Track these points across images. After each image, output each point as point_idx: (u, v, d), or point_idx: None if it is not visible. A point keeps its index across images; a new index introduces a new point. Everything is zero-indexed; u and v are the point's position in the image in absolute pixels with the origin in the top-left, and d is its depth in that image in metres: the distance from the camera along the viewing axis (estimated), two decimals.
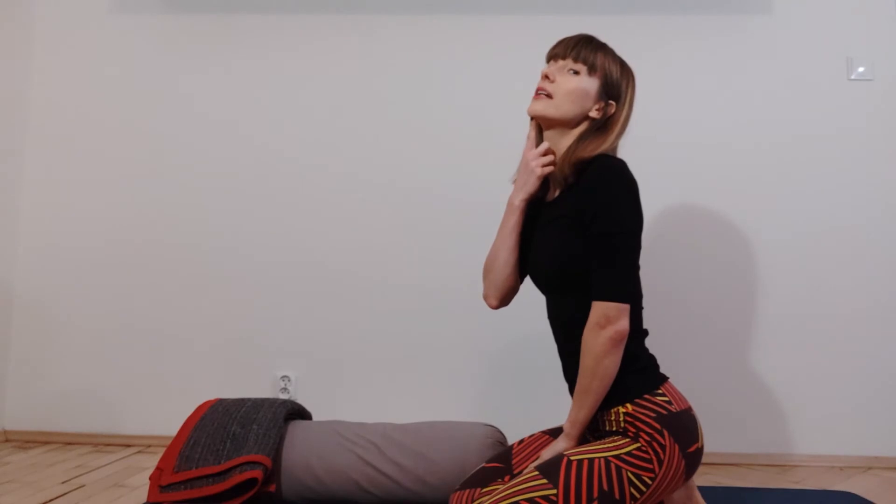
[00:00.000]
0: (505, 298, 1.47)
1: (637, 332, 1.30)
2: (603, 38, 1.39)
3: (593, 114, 1.35)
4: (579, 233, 1.27)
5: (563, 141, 1.36)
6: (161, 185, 2.30)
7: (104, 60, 2.34)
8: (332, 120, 2.29)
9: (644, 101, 2.21)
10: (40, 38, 2.36)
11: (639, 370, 1.28)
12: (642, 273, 1.29)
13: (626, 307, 1.22)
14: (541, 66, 2.28)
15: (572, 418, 1.26)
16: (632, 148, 2.22)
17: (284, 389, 2.22)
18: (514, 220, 1.41)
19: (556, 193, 1.38)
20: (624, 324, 1.22)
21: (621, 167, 1.28)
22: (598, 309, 1.22)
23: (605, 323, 1.21)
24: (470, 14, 2.29)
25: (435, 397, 2.21)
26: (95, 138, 2.32)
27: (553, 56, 1.37)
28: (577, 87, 1.32)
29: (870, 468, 2.07)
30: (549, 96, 1.33)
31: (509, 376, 2.21)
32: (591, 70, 1.33)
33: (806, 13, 2.23)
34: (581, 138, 1.34)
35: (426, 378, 2.22)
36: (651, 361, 1.33)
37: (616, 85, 1.36)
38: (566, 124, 1.35)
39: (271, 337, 2.25)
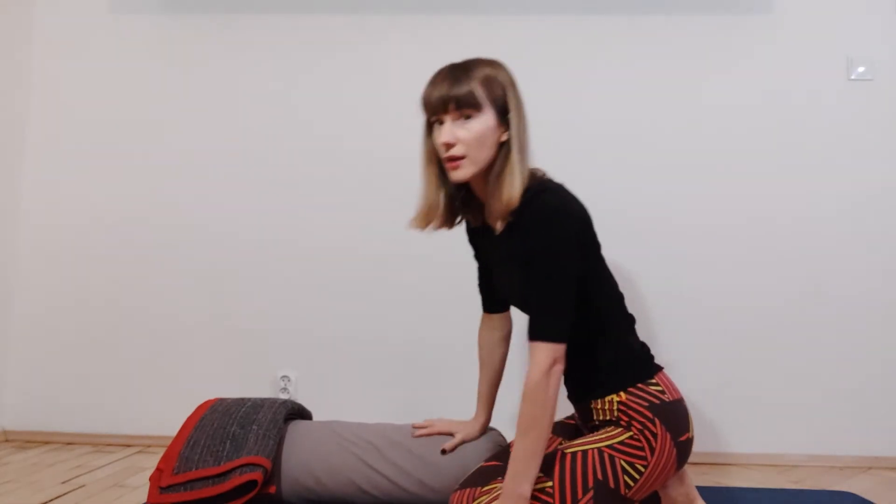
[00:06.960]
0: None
1: (627, 323, 1.34)
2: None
3: (503, 138, 1.28)
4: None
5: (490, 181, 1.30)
6: (161, 184, 2.30)
7: (104, 60, 2.34)
8: (334, 119, 2.29)
9: (643, 102, 2.22)
10: (40, 38, 2.36)
11: (632, 360, 1.31)
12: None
13: (564, 346, 1.19)
14: (543, 67, 2.28)
15: (531, 476, 1.16)
16: (632, 148, 2.24)
17: (284, 389, 2.22)
18: None
19: (501, 227, 1.33)
20: (563, 360, 1.20)
21: (557, 205, 1.21)
22: (544, 351, 1.18)
23: (552, 363, 1.18)
24: (470, 14, 2.29)
25: (434, 397, 2.21)
26: (95, 138, 2.32)
27: (434, 114, 1.28)
28: (479, 132, 1.24)
29: (870, 468, 2.07)
30: (462, 158, 1.25)
31: (509, 377, 2.20)
32: (478, 106, 1.24)
33: (806, 13, 2.23)
34: (498, 173, 1.26)
35: (426, 378, 2.22)
36: (644, 350, 1.35)
37: (502, 98, 1.27)
38: (489, 167, 1.27)
39: (271, 337, 2.25)
